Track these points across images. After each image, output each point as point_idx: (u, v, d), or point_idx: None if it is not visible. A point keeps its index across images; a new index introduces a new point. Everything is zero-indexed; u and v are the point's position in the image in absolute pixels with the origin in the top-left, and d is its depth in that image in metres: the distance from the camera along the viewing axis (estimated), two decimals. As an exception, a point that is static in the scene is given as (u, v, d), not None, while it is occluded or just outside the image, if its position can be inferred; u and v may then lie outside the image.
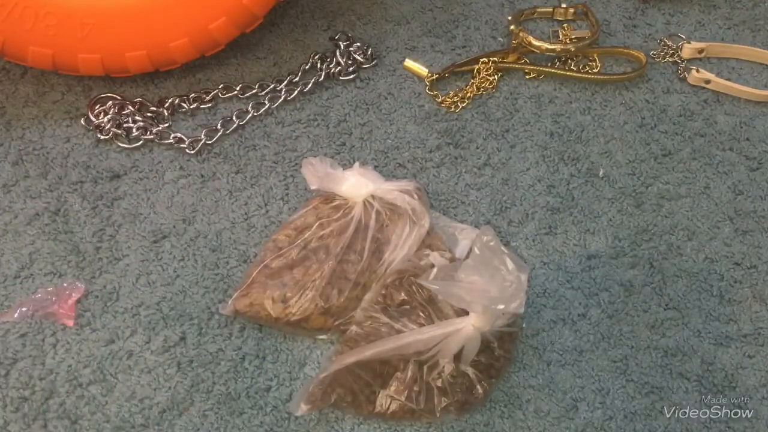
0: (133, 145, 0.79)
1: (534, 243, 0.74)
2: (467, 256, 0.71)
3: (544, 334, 0.69)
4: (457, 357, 0.61)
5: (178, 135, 0.79)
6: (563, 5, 0.92)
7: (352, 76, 0.85)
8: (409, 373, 0.61)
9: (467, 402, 0.62)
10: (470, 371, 0.62)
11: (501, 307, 0.55)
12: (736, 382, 0.67)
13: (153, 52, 0.76)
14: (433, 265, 0.65)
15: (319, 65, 0.85)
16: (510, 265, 0.55)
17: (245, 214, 0.75)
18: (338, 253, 0.66)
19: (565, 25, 0.92)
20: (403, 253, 0.67)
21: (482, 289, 0.55)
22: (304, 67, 0.85)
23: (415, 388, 0.61)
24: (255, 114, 0.81)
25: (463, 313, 0.60)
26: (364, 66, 0.86)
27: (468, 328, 0.59)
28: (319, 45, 0.88)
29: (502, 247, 0.56)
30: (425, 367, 0.61)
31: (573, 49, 0.87)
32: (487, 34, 0.90)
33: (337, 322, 0.65)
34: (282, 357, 0.66)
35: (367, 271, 0.66)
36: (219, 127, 0.80)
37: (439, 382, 0.61)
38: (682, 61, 0.89)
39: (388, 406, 0.61)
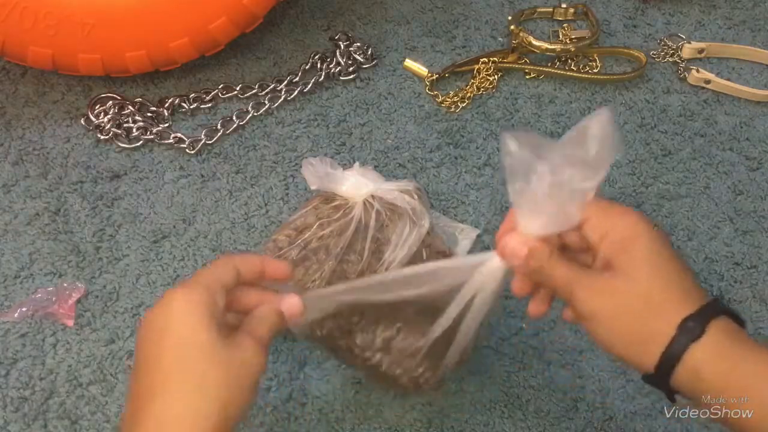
0: (133, 145, 0.79)
1: (534, 243, 0.74)
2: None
3: (544, 334, 0.69)
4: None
5: (178, 135, 0.79)
6: (563, 5, 0.92)
7: (352, 76, 0.85)
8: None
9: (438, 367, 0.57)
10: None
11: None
12: (736, 382, 0.67)
13: (153, 52, 0.76)
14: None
15: (319, 65, 0.85)
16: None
17: (245, 214, 0.75)
18: (338, 253, 0.66)
19: (565, 25, 0.92)
20: (403, 253, 0.67)
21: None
22: (304, 67, 0.85)
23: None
24: (255, 114, 0.81)
25: None
26: (364, 66, 0.86)
27: (495, 261, 0.49)
28: (319, 45, 0.88)
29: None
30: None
31: (573, 49, 0.87)
32: (487, 34, 0.90)
33: (337, 322, 0.65)
34: (282, 357, 0.66)
35: (367, 271, 0.66)
36: (219, 127, 0.80)
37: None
38: (682, 61, 0.89)
39: (372, 357, 0.58)
